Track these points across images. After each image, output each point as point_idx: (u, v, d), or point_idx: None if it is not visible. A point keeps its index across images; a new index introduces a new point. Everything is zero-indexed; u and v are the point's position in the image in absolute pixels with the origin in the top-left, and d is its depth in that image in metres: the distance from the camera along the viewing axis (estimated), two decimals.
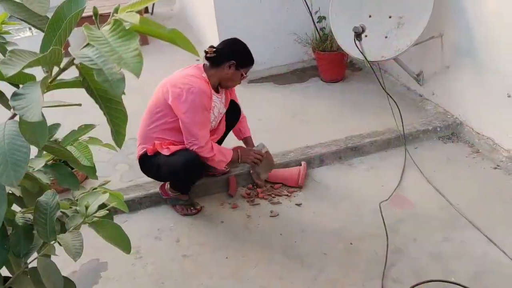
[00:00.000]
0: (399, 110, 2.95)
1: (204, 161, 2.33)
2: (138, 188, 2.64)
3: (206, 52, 2.30)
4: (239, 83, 2.43)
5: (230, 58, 2.29)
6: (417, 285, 1.89)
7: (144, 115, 2.39)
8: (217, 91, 2.40)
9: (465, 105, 2.90)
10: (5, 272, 1.08)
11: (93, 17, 0.59)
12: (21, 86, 0.59)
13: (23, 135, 0.62)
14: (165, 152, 2.28)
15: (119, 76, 0.54)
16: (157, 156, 2.30)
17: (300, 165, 2.71)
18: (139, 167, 2.45)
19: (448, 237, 2.15)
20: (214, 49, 2.29)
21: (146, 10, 6.50)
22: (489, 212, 2.28)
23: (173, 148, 2.29)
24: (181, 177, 2.34)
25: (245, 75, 2.39)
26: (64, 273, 2.21)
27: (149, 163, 2.36)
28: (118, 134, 0.71)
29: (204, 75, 2.30)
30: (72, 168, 1.29)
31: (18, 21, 1.12)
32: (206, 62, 2.35)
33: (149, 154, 2.32)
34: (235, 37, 2.43)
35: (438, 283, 1.91)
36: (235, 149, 2.50)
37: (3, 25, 1.50)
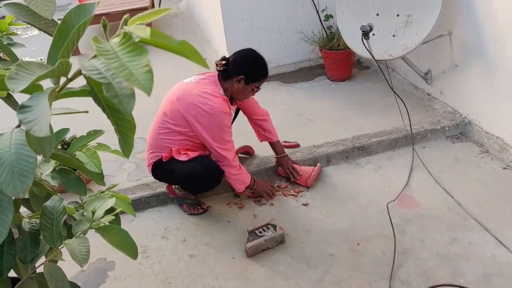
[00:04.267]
0: (407, 109, 2.92)
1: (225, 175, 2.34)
2: (145, 187, 2.65)
3: (216, 65, 2.26)
4: (252, 95, 2.39)
5: (239, 72, 2.23)
6: None
7: (156, 123, 2.32)
8: (231, 102, 2.37)
9: (474, 104, 2.87)
10: (12, 274, 1.08)
11: (102, 29, 0.58)
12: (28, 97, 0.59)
13: (30, 145, 0.61)
14: (183, 158, 2.26)
15: (129, 91, 0.53)
16: (172, 161, 2.28)
17: (316, 165, 2.70)
18: (147, 171, 2.43)
19: (456, 238, 2.13)
20: (224, 62, 2.23)
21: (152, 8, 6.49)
22: (499, 213, 2.25)
23: (192, 154, 2.28)
24: (197, 184, 2.35)
25: (256, 89, 2.34)
26: (72, 273, 2.23)
27: (163, 168, 2.33)
28: (126, 144, 0.70)
29: (221, 91, 2.24)
30: (76, 170, 1.28)
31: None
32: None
33: (164, 161, 2.29)
34: (250, 47, 2.35)
35: (446, 286, 1.90)
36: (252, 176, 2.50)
37: (10, 26, 1.50)
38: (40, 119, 0.53)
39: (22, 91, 0.54)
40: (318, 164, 2.70)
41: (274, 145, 2.68)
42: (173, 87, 2.38)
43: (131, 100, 0.53)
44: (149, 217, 2.53)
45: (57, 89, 0.63)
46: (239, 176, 2.36)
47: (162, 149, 2.30)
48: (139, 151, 3.01)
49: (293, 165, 2.65)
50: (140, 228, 2.44)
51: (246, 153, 2.84)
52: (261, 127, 2.65)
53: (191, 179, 2.30)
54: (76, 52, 4.75)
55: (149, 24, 0.58)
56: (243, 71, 2.24)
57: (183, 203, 2.54)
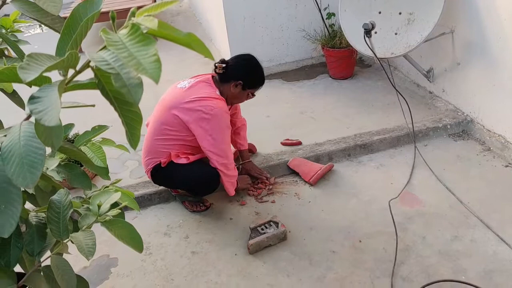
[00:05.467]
0: (409, 107, 2.93)
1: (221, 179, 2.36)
2: (147, 185, 2.66)
3: (215, 66, 2.27)
4: (246, 100, 2.41)
5: (238, 77, 2.25)
6: (427, 285, 1.89)
7: (152, 130, 2.32)
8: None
9: (476, 102, 2.87)
10: (17, 268, 1.09)
11: (111, 21, 0.59)
12: (37, 88, 0.60)
13: (39, 137, 0.62)
14: (183, 161, 2.27)
15: (137, 81, 0.54)
16: (171, 166, 2.29)
17: (327, 163, 2.72)
18: (148, 178, 2.45)
19: (458, 236, 2.14)
20: (224, 65, 2.25)
21: None
22: (500, 210, 2.26)
23: (192, 157, 2.29)
24: (197, 189, 2.37)
25: (251, 96, 2.37)
26: (75, 269, 2.23)
27: (162, 174, 2.34)
28: (133, 136, 0.71)
29: (218, 92, 2.26)
30: (82, 165, 1.29)
31: (29, 19, 1.13)
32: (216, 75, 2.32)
33: (162, 166, 2.30)
34: (250, 54, 2.37)
35: (448, 282, 1.90)
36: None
37: (14, 23, 1.51)
38: (50, 109, 0.54)
39: (31, 83, 0.55)
40: (330, 163, 2.71)
41: (243, 152, 2.73)
42: (167, 91, 2.38)
43: (139, 90, 0.54)
44: (152, 214, 2.54)
45: (66, 81, 0.64)
46: (235, 179, 2.41)
47: (160, 154, 2.31)
48: (141, 149, 3.01)
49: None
50: (143, 225, 2.45)
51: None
52: (238, 135, 2.69)
53: (191, 184, 2.33)
54: (79, 51, 4.78)
55: None
56: (242, 77, 2.26)
57: (185, 201, 2.55)
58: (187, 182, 2.32)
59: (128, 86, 0.53)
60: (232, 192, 2.44)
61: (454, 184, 2.47)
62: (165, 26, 0.56)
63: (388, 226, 2.24)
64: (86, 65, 0.64)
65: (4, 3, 1.08)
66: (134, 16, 0.57)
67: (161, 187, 2.61)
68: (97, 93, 0.74)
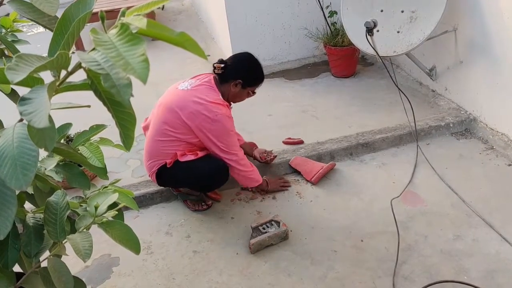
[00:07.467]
0: (411, 106, 2.91)
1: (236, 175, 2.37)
2: (149, 184, 2.66)
3: (214, 67, 2.27)
4: (247, 98, 2.40)
5: (237, 76, 2.24)
6: (429, 285, 1.88)
7: (154, 132, 2.30)
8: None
9: (479, 100, 2.85)
10: (17, 268, 1.09)
11: (100, 21, 0.58)
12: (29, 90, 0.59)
13: (32, 139, 0.62)
14: (190, 157, 2.26)
15: (126, 81, 0.53)
16: (178, 165, 2.28)
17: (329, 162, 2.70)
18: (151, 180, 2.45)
19: (460, 235, 2.13)
20: (222, 65, 2.25)
21: None
22: (503, 209, 2.24)
23: (201, 153, 2.29)
24: (205, 184, 2.37)
25: (252, 94, 2.36)
26: (77, 268, 2.24)
27: (168, 174, 2.32)
28: (127, 137, 0.71)
29: (220, 96, 2.25)
30: (81, 166, 1.29)
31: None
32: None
33: (168, 167, 2.29)
34: (248, 52, 2.37)
35: (450, 282, 1.89)
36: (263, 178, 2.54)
37: (14, 23, 1.51)
38: (40, 111, 0.54)
39: (23, 84, 0.54)
40: (332, 162, 2.69)
41: (244, 146, 2.71)
42: (167, 93, 2.36)
43: (128, 90, 0.54)
44: (153, 214, 2.54)
45: (58, 83, 0.64)
46: (249, 173, 2.39)
47: (164, 156, 2.29)
48: (143, 147, 3.01)
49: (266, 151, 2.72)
50: (144, 224, 2.45)
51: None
52: None
53: (199, 180, 2.32)
54: (81, 49, 4.77)
55: (152, 18, 0.58)
56: (241, 76, 2.25)
57: (187, 200, 2.55)
58: (196, 178, 2.31)
59: (118, 86, 0.53)
60: (248, 185, 2.48)
61: (457, 183, 2.46)
62: (156, 25, 0.55)
63: (390, 225, 2.23)
64: (78, 66, 0.64)
65: (1, 4, 1.08)
66: (124, 16, 0.57)
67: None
68: None
